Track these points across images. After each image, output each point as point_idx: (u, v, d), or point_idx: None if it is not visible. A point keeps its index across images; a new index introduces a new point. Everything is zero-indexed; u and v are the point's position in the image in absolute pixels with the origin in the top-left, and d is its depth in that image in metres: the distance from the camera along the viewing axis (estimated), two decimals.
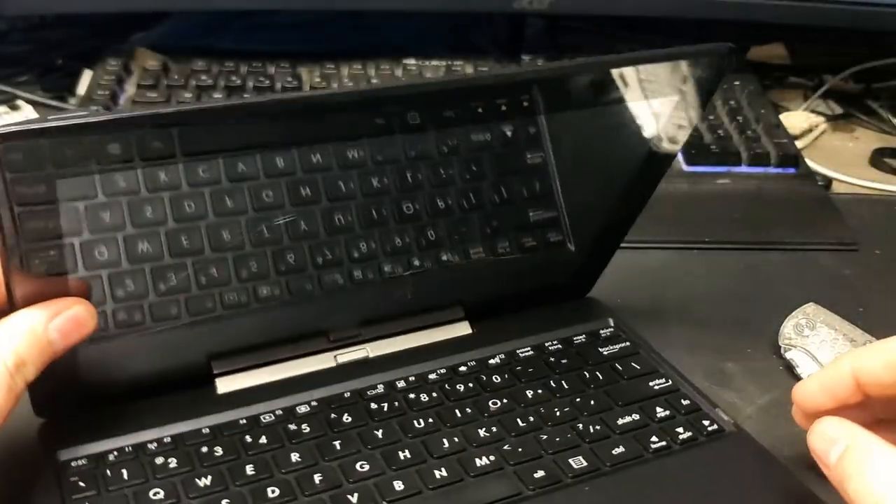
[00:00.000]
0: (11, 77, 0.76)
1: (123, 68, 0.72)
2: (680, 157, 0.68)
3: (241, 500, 0.38)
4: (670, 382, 0.46)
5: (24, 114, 0.70)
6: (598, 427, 0.43)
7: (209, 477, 0.39)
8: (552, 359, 0.47)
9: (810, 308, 0.51)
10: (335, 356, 0.46)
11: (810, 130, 0.77)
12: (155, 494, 0.38)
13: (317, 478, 0.39)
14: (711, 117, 0.72)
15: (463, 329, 0.49)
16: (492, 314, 0.49)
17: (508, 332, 0.48)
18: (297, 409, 0.43)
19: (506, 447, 0.41)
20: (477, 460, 0.40)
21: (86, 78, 0.73)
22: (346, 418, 0.43)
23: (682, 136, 0.45)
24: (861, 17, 0.75)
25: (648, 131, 0.45)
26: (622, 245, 0.52)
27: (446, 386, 0.45)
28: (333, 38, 0.84)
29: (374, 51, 0.77)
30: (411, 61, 0.76)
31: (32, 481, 0.40)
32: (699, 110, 0.45)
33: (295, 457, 0.40)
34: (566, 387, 0.45)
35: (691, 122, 0.45)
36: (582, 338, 0.49)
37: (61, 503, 0.38)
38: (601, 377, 0.46)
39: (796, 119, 0.77)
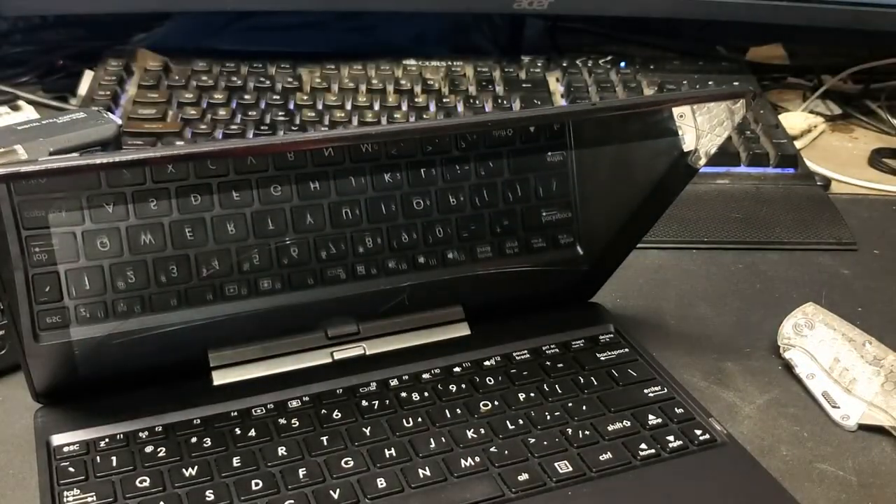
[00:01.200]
0: (12, 78, 0.77)
1: (125, 69, 0.72)
2: None
3: (225, 492, 0.39)
4: (665, 391, 0.46)
5: (25, 114, 0.70)
6: (587, 432, 0.43)
7: (196, 467, 0.40)
8: (548, 363, 0.47)
9: (809, 308, 0.51)
10: (332, 353, 0.46)
11: (809, 131, 0.77)
12: (141, 482, 0.39)
13: (301, 472, 0.40)
14: None
15: (462, 330, 0.49)
16: (492, 316, 0.49)
17: (507, 334, 0.49)
18: (289, 403, 0.44)
19: (492, 449, 0.42)
20: (462, 461, 0.41)
21: (87, 78, 0.73)
22: (336, 414, 0.43)
23: (708, 153, 0.44)
24: (860, 17, 0.75)
25: (675, 144, 0.45)
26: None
27: (439, 386, 0.45)
28: (334, 38, 0.84)
29: (375, 51, 0.77)
30: (411, 62, 0.76)
31: (25, 465, 0.41)
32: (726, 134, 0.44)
33: (282, 451, 0.41)
34: (559, 391, 0.45)
35: (718, 142, 0.44)
36: (580, 343, 0.49)
37: (50, 487, 0.39)
38: (595, 382, 0.46)
39: (795, 119, 0.77)
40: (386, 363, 0.46)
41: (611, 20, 0.88)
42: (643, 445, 0.42)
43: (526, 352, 0.48)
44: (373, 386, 0.45)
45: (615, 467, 0.41)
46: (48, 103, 0.73)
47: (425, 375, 0.46)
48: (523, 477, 0.40)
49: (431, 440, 0.42)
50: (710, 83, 0.76)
